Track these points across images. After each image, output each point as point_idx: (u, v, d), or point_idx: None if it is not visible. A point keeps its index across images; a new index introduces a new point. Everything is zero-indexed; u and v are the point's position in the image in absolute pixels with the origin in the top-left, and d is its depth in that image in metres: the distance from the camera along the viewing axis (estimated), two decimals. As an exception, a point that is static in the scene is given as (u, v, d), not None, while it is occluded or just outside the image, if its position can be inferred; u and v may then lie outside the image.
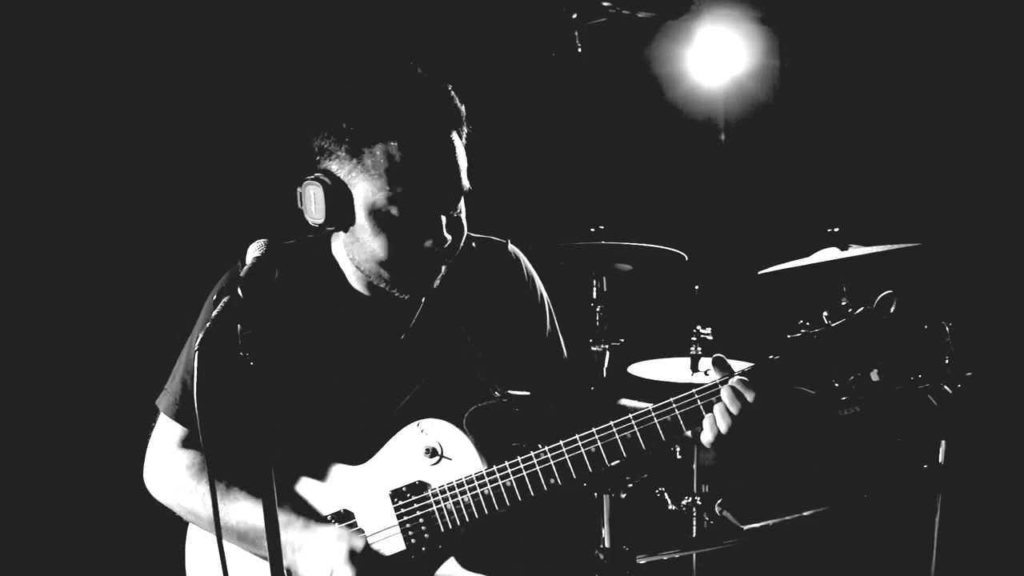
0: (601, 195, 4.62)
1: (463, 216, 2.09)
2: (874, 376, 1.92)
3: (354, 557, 2.08)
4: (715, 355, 2.04)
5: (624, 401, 2.36)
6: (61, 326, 3.93)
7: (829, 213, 3.97)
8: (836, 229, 3.57)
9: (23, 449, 3.86)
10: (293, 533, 2.11)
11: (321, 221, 2.02)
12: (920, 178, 4.62)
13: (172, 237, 4.00)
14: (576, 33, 4.24)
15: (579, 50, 4.26)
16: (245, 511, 2.15)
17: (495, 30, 4.60)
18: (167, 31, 4.00)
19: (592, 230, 3.91)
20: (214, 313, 1.70)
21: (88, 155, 3.94)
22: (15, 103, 3.81)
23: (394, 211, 2.00)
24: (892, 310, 1.91)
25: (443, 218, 2.03)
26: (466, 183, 2.06)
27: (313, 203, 2.02)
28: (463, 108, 2.08)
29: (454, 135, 2.04)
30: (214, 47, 4.02)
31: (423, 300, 2.19)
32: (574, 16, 4.23)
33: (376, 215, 2.01)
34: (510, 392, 2.20)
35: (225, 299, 1.71)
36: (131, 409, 2.55)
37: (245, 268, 1.83)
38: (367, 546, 2.11)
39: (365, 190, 2.00)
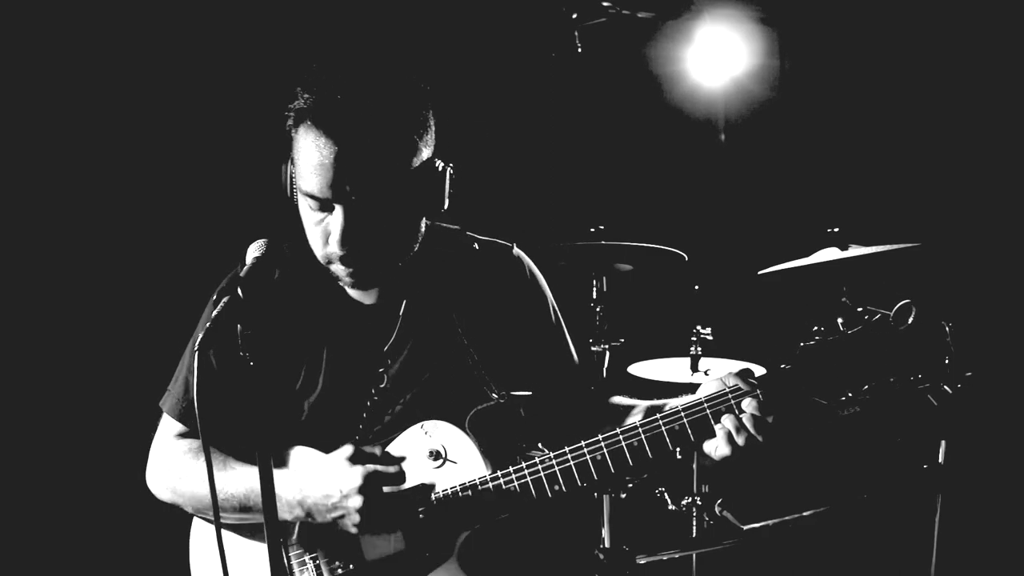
0: (601, 195, 4.63)
1: (373, 230, 1.98)
2: (891, 386, 1.90)
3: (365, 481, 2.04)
4: (742, 368, 2.02)
5: (616, 399, 2.35)
6: (65, 328, 3.93)
7: (829, 213, 3.97)
8: (836, 229, 3.57)
9: (28, 450, 3.87)
10: (295, 480, 2.09)
11: (289, 195, 2.06)
12: (920, 178, 4.62)
13: (175, 239, 4.00)
14: (576, 33, 4.25)
15: (579, 50, 4.26)
16: (244, 476, 2.14)
17: (496, 30, 4.60)
18: (167, 30, 4.00)
19: (592, 230, 3.91)
20: (214, 313, 1.69)
21: (93, 156, 3.95)
22: (15, 104, 3.81)
23: (299, 196, 2.02)
24: (911, 321, 1.88)
25: (328, 217, 1.99)
26: (357, 192, 1.93)
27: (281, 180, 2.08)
28: (427, 126, 2.01)
29: (366, 140, 1.92)
30: (215, 47, 4.02)
31: (403, 303, 2.19)
32: (574, 16, 4.23)
33: (298, 198, 2.04)
34: (509, 393, 2.19)
35: (225, 299, 1.71)
36: (136, 408, 2.55)
37: (245, 268, 1.83)
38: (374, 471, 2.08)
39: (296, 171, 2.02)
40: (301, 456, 2.16)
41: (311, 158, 1.94)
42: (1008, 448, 4.17)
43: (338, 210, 1.96)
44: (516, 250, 2.31)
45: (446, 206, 2.06)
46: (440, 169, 2.04)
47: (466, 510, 2.07)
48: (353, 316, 2.21)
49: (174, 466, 2.26)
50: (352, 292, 2.21)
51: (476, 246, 2.27)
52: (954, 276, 4.23)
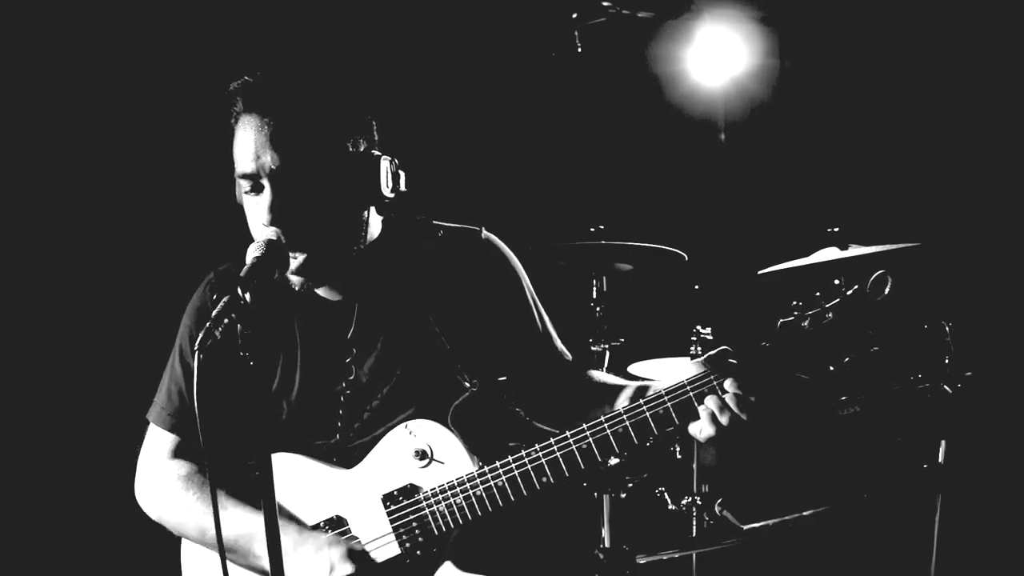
0: (601, 195, 4.63)
1: (303, 208, 1.99)
2: (872, 357, 1.88)
3: (352, 555, 2.08)
4: (721, 348, 2.01)
5: (602, 377, 2.32)
6: (47, 338, 3.93)
7: (829, 213, 3.97)
8: (836, 229, 3.57)
9: (15, 454, 3.87)
10: (286, 538, 2.08)
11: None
12: (920, 178, 4.62)
13: (156, 249, 3.99)
14: (576, 33, 4.25)
15: (579, 50, 4.26)
16: (232, 521, 2.14)
17: (496, 30, 4.60)
18: (159, 32, 3.99)
19: (592, 230, 3.91)
20: (214, 312, 1.68)
21: (66, 168, 3.94)
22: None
23: (239, 189, 2.06)
24: (887, 291, 1.86)
25: (260, 196, 2.01)
26: (279, 161, 1.97)
27: None
28: (359, 120, 2.08)
29: (288, 113, 1.99)
30: (200, 52, 4.00)
31: (359, 294, 2.18)
32: (574, 16, 4.23)
33: (240, 195, 2.08)
34: (483, 381, 2.15)
35: (226, 298, 1.70)
36: (127, 413, 2.55)
37: (245, 268, 1.82)
38: (363, 549, 2.11)
39: None
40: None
41: (240, 138, 2.01)
42: (1008, 448, 4.17)
43: (266, 184, 1.99)
44: (485, 233, 2.28)
45: (388, 196, 2.08)
46: (376, 159, 2.07)
47: (456, 508, 2.07)
48: (320, 313, 2.20)
49: (163, 492, 2.25)
50: (319, 290, 2.19)
51: (440, 233, 2.25)
52: (954, 276, 4.23)
